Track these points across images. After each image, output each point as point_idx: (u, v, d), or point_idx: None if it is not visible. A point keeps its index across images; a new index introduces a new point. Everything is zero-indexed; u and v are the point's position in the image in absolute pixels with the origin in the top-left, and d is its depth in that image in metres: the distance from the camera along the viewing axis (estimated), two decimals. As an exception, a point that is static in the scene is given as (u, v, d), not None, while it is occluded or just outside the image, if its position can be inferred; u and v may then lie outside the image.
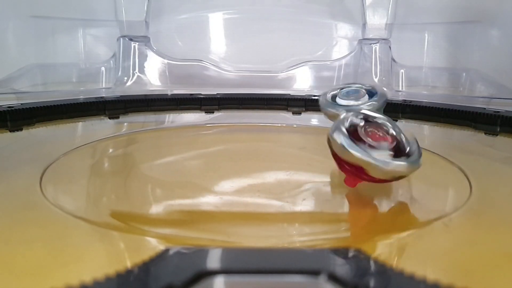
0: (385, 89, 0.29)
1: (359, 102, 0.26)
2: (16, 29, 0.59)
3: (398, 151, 0.23)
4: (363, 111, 0.25)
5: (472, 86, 0.59)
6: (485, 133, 0.42)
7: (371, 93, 0.27)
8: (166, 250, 0.15)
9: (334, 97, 0.28)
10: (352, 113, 0.25)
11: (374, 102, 0.26)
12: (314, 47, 0.66)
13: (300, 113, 0.53)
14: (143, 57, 0.62)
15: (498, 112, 0.43)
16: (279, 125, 0.48)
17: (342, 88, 0.28)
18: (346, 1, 0.67)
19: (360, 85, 0.28)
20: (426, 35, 0.63)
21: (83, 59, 0.63)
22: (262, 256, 0.14)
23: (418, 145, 0.24)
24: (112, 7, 0.60)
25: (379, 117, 0.25)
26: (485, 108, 0.44)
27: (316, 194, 0.27)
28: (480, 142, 0.42)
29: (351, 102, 0.27)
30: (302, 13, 0.67)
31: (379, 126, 0.24)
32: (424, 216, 0.24)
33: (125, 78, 0.61)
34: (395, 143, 0.23)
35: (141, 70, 0.62)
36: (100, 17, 0.63)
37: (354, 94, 0.27)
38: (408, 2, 0.62)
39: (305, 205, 0.25)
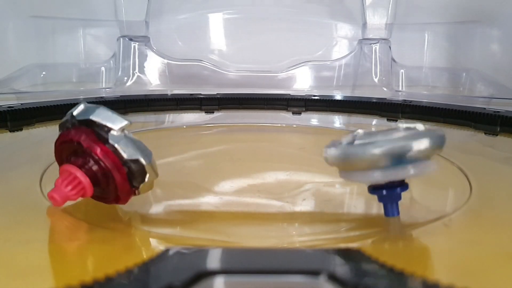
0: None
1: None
2: (16, 29, 0.59)
3: None
4: None
5: (472, 86, 0.59)
6: (485, 133, 0.42)
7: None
8: (166, 250, 0.15)
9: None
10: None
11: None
12: (314, 47, 0.66)
13: (300, 113, 0.53)
14: (143, 57, 0.62)
15: (498, 112, 0.43)
16: (279, 125, 0.48)
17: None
18: (346, 1, 0.67)
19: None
20: (426, 35, 0.63)
21: (83, 59, 0.63)
22: (262, 256, 0.14)
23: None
24: (112, 7, 0.60)
25: None
26: (485, 108, 0.44)
27: (316, 194, 0.27)
28: (480, 142, 0.42)
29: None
30: (302, 13, 0.67)
31: None
32: (424, 216, 0.24)
33: (125, 78, 0.61)
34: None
35: (141, 70, 0.62)
36: (100, 17, 0.63)
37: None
38: (408, 2, 0.62)
39: (305, 205, 0.25)
